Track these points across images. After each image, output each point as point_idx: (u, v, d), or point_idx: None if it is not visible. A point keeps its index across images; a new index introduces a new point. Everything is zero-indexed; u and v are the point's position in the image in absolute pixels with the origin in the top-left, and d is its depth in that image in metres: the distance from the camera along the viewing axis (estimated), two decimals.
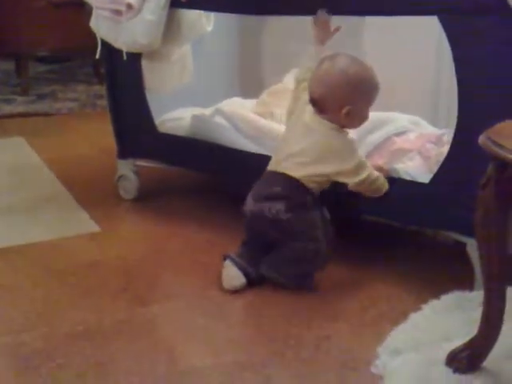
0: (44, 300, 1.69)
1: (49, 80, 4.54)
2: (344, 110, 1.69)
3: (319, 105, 1.72)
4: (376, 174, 1.75)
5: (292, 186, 1.72)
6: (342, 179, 1.73)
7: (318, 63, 1.74)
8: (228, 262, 1.77)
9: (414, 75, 2.44)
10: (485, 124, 1.29)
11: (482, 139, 1.23)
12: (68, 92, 4.19)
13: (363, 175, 1.71)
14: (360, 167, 1.72)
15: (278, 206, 1.70)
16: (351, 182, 1.72)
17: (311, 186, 1.73)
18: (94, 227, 2.14)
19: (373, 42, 2.56)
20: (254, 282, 1.75)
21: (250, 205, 1.75)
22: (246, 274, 1.75)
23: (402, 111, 2.22)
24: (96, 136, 3.15)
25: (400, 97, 2.40)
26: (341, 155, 1.72)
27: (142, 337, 1.53)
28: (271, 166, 1.78)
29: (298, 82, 1.85)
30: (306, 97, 1.76)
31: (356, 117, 1.73)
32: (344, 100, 1.69)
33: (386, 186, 1.76)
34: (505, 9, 1.49)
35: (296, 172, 1.72)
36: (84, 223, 2.17)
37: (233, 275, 1.75)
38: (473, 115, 1.61)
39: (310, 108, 1.76)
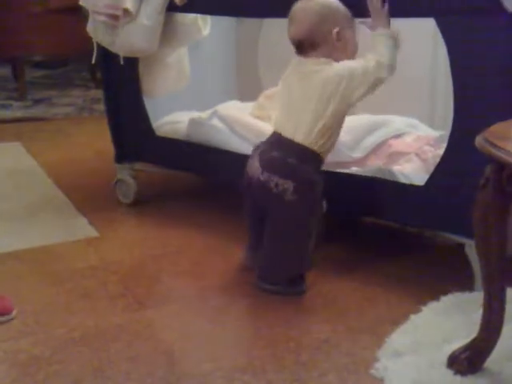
0: (41, 305, 1.68)
1: (45, 85, 4.54)
2: (334, 34, 1.66)
3: (307, 43, 1.67)
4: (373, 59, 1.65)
5: (306, 157, 1.67)
6: (352, 93, 1.64)
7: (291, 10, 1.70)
8: None
9: (411, 78, 2.43)
10: (480, 125, 1.29)
11: (478, 141, 1.22)
12: (64, 97, 4.20)
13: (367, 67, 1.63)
14: (358, 69, 1.64)
15: (287, 185, 1.65)
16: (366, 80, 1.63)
17: (321, 150, 1.68)
18: (92, 232, 2.13)
19: (368, 44, 2.56)
20: None
21: (256, 171, 1.68)
22: None
23: (399, 114, 2.22)
24: (93, 140, 3.16)
25: (397, 100, 2.40)
26: (338, 78, 1.64)
27: (140, 341, 1.52)
28: (280, 129, 1.71)
29: None
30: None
31: (347, 41, 1.68)
32: (329, 25, 1.65)
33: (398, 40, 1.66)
34: (500, 10, 1.49)
35: (308, 136, 1.66)
36: (82, 228, 2.17)
37: None
38: (468, 117, 1.61)
39: (294, 64, 1.72)
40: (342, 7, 1.69)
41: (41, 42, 4.16)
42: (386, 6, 1.64)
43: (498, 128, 1.28)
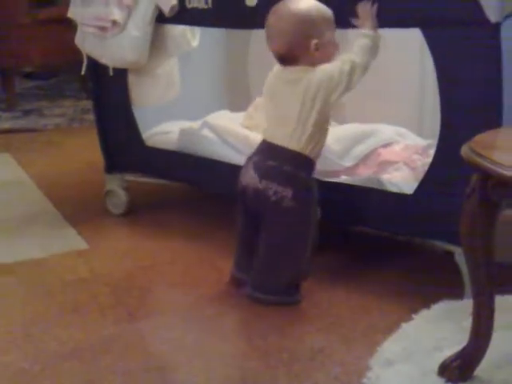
0: (31, 318, 1.68)
1: (36, 96, 4.54)
2: (312, 46, 1.66)
3: (289, 56, 1.67)
4: (351, 58, 1.65)
5: (300, 163, 1.69)
6: (335, 92, 1.65)
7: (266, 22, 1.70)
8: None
9: (400, 87, 2.45)
10: (466, 135, 1.30)
11: (464, 150, 1.23)
12: (55, 107, 4.19)
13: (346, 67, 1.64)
14: (339, 66, 1.65)
15: (285, 192, 1.67)
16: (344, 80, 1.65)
17: (312, 155, 1.70)
18: (82, 243, 2.13)
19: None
20: None
21: (252, 180, 1.69)
22: None
23: (388, 123, 2.24)
24: (84, 151, 3.15)
25: (386, 108, 2.42)
26: (318, 82, 1.65)
27: (132, 353, 1.52)
28: (270, 138, 1.72)
29: None
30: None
31: (327, 47, 1.69)
32: (308, 37, 1.65)
33: (377, 45, 1.67)
34: (483, 21, 1.51)
35: (299, 142, 1.67)
36: (72, 240, 2.16)
37: None
38: (455, 126, 1.62)
39: (276, 72, 1.73)
40: (318, 13, 1.67)
41: (31, 53, 4.16)
42: (375, 9, 1.65)
43: (483, 138, 1.29)
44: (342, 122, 2.43)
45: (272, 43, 1.70)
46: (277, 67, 1.75)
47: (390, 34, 1.73)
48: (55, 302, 1.76)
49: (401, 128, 2.24)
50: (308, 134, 1.68)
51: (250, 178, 1.71)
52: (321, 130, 1.71)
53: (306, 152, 1.70)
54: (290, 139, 1.68)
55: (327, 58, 1.70)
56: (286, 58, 1.69)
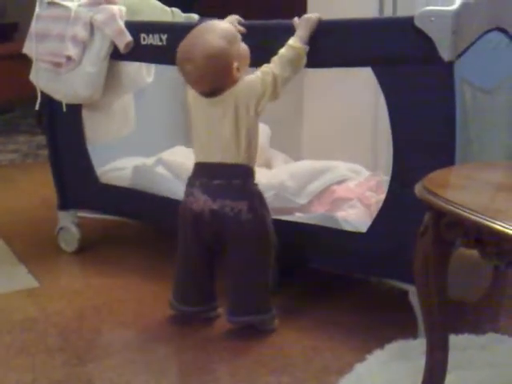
0: None
1: None
2: (234, 69, 1.66)
3: (215, 89, 1.68)
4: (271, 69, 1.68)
5: (245, 174, 1.71)
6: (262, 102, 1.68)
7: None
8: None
9: (354, 124, 2.47)
10: (419, 173, 1.30)
11: (417, 189, 1.24)
12: (9, 144, 4.12)
13: (269, 79, 1.67)
14: (262, 79, 1.68)
15: (241, 206, 1.67)
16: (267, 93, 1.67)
17: (251, 163, 1.73)
18: (32, 282, 2.07)
19: (313, 93, 2.60)
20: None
21: (205, 203, 1.68)
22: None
23: (343, 160, 2.25)
24: (37, 187, 3.09)
25: (341, 146, 2.44)
26: (245, 95, 1.67)
27: None
28: (207, 158, 1.73)
29: None
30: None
31: (242, 60, 1.70)
32: (228, 66, 1.65)
33: (300, 56, 1.68)
34: (436, 59, 1.53)
35: (238, 155, 1.69)
36: (21, 278, 2.10)
37: None
38: (407, 164, 1.63)
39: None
40: (226, 38, 1.66)
41: None
42: (314, 23, 1.68)
43: (436, 176, 1.30)
44: (297, 158, 2.44)
45: (196, 87, 1.71)
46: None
47: (345, 70, 1.75)
48: (2, 343, 1.70)
49: (355, 165, 2.25)
50: (244, 145, 1.69)
51: (202, 202, 1.69)
52: (253, 138, 1.72)
53: (246, 162, 1.71)
54: (229, 154, 1.69)
55: (245, 69, 1.72)
56: (213, 92, 1.69)
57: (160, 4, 2.43)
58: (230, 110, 1.68)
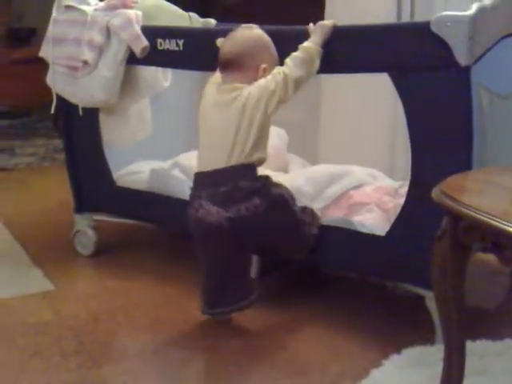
0: None
1: (8, 135, 4.49)
2: (262, 68, 1.72)
3: (235, 63, 1.73)
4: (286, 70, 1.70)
5: (249, 172, 1.72)
6: (272, 102, 1.69)
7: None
8: None
9: (372, 129, 2.46)
10: (437, 177, 1.29)
11: (435, 193, 1.22)
12: (27, 147, 4.14)
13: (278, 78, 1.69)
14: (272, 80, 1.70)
15: (255, 202, 1.69)
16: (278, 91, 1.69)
17: (257, 162, 1.74)
18: (48, 285, 2.07)
19: (331, 97, 2.59)
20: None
21: (220, 214, 1.67)
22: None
23: (360, 164, 2.23)
24: (54, 190, 3.09)
25: (358, 150, 2.42)
26: (254, 98, 1.70)
27: None
28: (211, 165, 1.74)
29: None
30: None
31: (271, 67, 1.73)
32: (261, 57, 1.73)
33: (312, 58, 1.69)
34: (452, 64, 1.51)
35: (241, 156, 1.70)
36: (37, 281, 2.10)
37: None
38: (425, 168, 1.62)
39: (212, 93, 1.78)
40: (273, 50, 1.76)
41: (4, 93, 4.14)
42: (329, 29, 1.69)
43: (454, 180, 1.29)
44: (314, 162, 2.43)
45: (228, 44, 1.76)
46: (212, 85, 1.79)
47: (362, 75, 1.74)
48: (16, 347, 1.70)
49: (372, 169, 2.23)
50: (251, 144, 1.70)
51: (216, 213, 1.68)
52: (262, 138, 1.73)
53: (251, 160, 1.71)
54: (232, 157, 1.70)
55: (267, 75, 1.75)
56: (231, 65, 1.74)
57: (177, 9, 2.43)
58: (240, 114, 1.69)
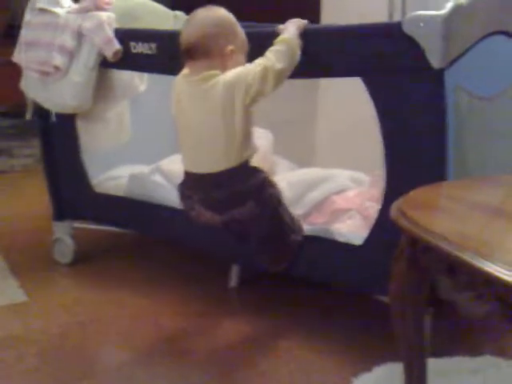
0: None
1: (7, 135, 4.47)
2: (228, 50, 1.60)
3: (199, 49, 1.60)
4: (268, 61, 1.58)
5: (242, 172, 1.64)
6: (253, 90, 1.56)
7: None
8: None
9: (369, 130, 2.39)
10: (411, 184, 1.25)
11: (393, 210, 1.15)
12: (25, 147, 4.11)
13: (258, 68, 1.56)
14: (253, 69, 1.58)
15: (248, 206, 1.63)
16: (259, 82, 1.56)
17: (249, 157, 1.65)
18: (21, 297, 2.02)
19: (328, 98, 2.52)
20: None
21: (215, 217, 1.66)
22: None
23: (355, 167, 2.15)
24: (45, 195, 3.03)
25: (355, 152, 2.35)
26: (231, 89, 1.57)
27: None
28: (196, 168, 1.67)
29: None
30: None
31: (238, 64, 1.61)
32: (225, 39, 1.60)
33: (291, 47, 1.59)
34: (426, 68, 1.44)
35: (229, 159, 1.62)
36: (11, 292, 2.06)
37: None
38: (399, 175, 1.56)
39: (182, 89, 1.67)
40: (239, 30, 1.65)
41: (4, 93, 4.10)
42: (302, 24, 1.61)
43: (417, 194, 1.23)
44: (309, 164, 2.35)
45: (188, 30, 1.63)
46: (180, 76, 1.68)
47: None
48: None
49: (357, 172, 2.16)
50: (239, 143, 1.60)
51: (210, 216, 1.66)
52: (247, 133, 1.63)
53: (243, 159, 1.63)
54: (224, 159, 1.61)
55: (237, 64, 1.63)
56: (195, 51, 1.60)
57: (162, 7, 2.37)
58: (220, 98, 1.57)
